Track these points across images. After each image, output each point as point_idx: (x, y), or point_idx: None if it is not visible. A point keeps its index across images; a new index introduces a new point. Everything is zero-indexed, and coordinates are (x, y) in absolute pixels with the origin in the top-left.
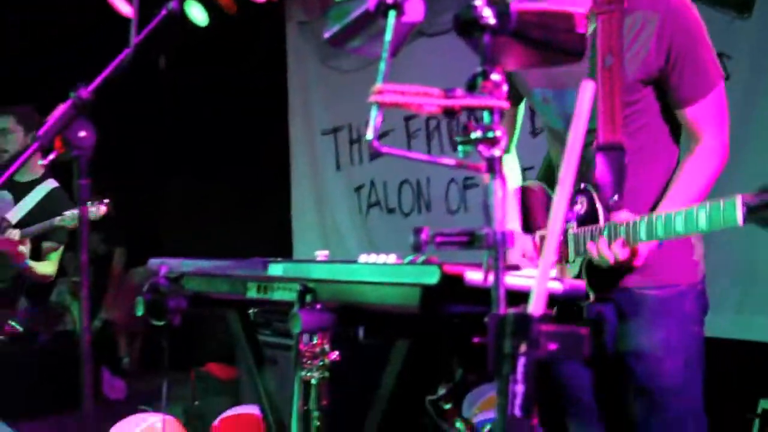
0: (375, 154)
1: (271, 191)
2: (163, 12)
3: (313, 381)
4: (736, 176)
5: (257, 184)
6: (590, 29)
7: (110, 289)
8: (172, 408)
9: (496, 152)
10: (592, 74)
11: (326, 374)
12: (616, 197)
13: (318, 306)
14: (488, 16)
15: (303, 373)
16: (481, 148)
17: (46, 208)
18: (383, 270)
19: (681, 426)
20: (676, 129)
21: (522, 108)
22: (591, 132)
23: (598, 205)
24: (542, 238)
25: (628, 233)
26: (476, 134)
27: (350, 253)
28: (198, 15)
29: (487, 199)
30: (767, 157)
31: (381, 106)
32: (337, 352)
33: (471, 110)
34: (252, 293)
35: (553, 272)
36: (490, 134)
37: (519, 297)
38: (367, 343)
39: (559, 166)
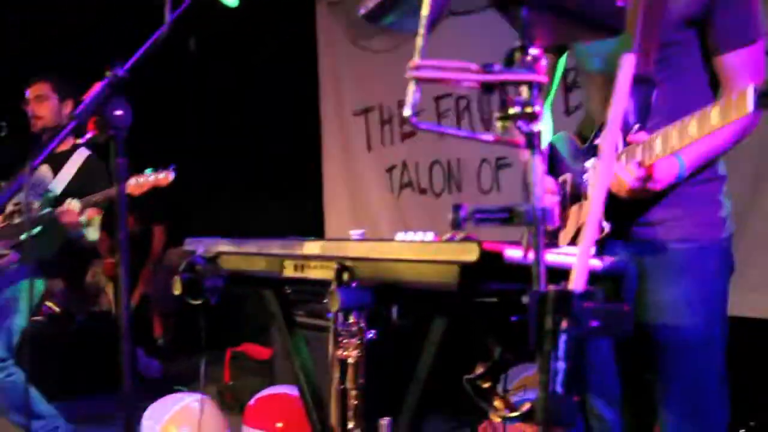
0: (407, 134)
1: (303, 171)
2: None
3: (350, 360)
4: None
5: (289, 165)
6: None
7: (147, 269)
8: (207, 388)
9: (536, 127)
10: (634, 6)
11: (363, 353)
12: (637, 126)
13: (355, 284)
14: None
15: (339, 352)
16: (520, 123)
17: (86, 176)
18: (421, 247)
19: (702, 384)
20: (715, 83)
21: (563, 61)
22: None
23: (619, 134)
24: (564, 182)
25: (645, 151)
26: (515, 110)
27: (382, 234)
28: None
29: (526, 175)
30: None
31: (418, 81)
32: (373, 331)
33: (509, 85)
34: (289, 272)
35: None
36: (529, 109)
37: (558, 274)
38: (402, 322)
39: (593, 109)
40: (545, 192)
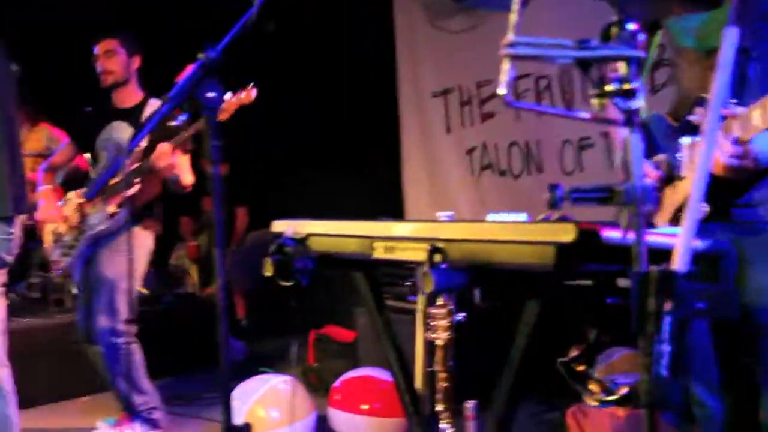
0: (486, 115)
1: (382, 154)
2: None
3: (439, 342)
4: None
5: (368, 147)
6: None
7: (230, 250)
8: (292, 369)
9: (634, 104)
10: None
11: (452, 335)
12: (734, 101)
13: (445, 266)
14: None
15: (428, 334)
16: (617, 100)
17: (163, 123)
18: (515, 228)
19: None
20: None
21: (658, 38)
22: None
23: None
24: (659, 163)
25: (742, 125)
26: (612, 86)
27: (462, 216)
28: None
29: (624, 153)
30: None
31: (513, 59)
32: (463, 313)
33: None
34: (379, 253)
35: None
36: (627, 86)
37: (657, 255)
38: (485, 304)
39: (686, 86)
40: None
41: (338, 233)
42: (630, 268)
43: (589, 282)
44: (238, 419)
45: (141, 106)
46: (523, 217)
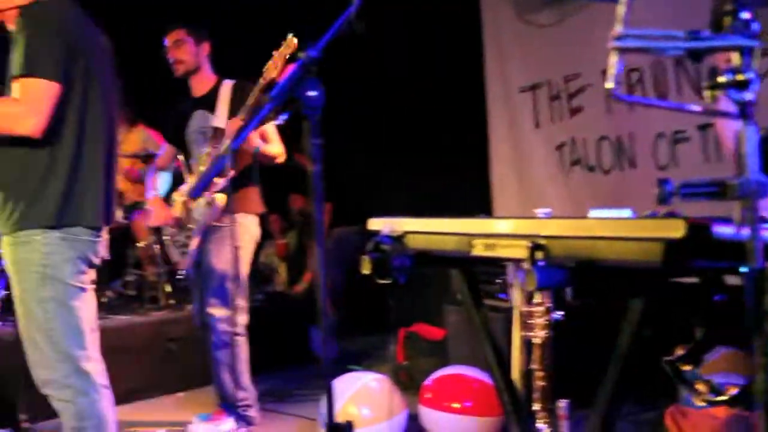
0: (575, 110)
1: (470, 149)
2: None
3: (536, 340)
4: None
5: (455, 143)
6: None
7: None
8: (381, 367)
9: (748, 96)
10: None
11: (549, 333)
12: None
13: (542, 263)
14: None
15: (525, 332)
16: (730, 92)
17: (239, 100)
18: (620, 224)
19: None
20: None
21: None
22: None
23: None
24: None
25: None
26: (725, 78)
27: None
28: None
29: (739, 146)
30: None
31: (621, 52)
32: (561, 312)
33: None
34: (478, 250)
35: None
36: (741, 77)
37: None
38: (577, 302)
39: None
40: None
41: (436, 231)
42: (742, 265)
43: (694, 279)
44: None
45: (215, 90)
46: (627, 213)
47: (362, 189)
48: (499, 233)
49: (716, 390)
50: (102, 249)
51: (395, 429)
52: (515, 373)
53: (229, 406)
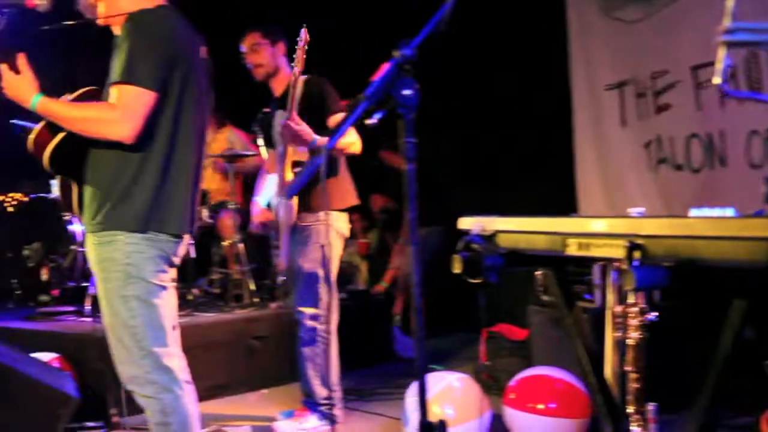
0: (662, 107)
1: (554, 148)
2: None
3: (630, 341)
4: None
5: (539, 141)
6: None
7: (399, 247)
8: (462, 367)
9: None
10: None
11: (644, 335)
12: None
13: (637, 263)
14: None
15: (619, 333)
16: None
17: (309, 95)
18: (723, 224)
19: None
20: None
21: None
22: None
23: None
24: None
25: None
26: None
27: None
28: None
29: None
30: None
31: (730, 46)
32: (655, 313)
33: None
34: (572, 250)
35: None
36: None
37: None
38: (665, 303)
39: None
40: None
41: (529, 230)
42: None
43: None
44: (412, 416)
45: (289, 88)
46: (730, 212)
47: (443, 189)
48: (594, 232)
49: None
50: (182, 250)
51: (480, 429)
52: (608, 375)
53: (312, 403)
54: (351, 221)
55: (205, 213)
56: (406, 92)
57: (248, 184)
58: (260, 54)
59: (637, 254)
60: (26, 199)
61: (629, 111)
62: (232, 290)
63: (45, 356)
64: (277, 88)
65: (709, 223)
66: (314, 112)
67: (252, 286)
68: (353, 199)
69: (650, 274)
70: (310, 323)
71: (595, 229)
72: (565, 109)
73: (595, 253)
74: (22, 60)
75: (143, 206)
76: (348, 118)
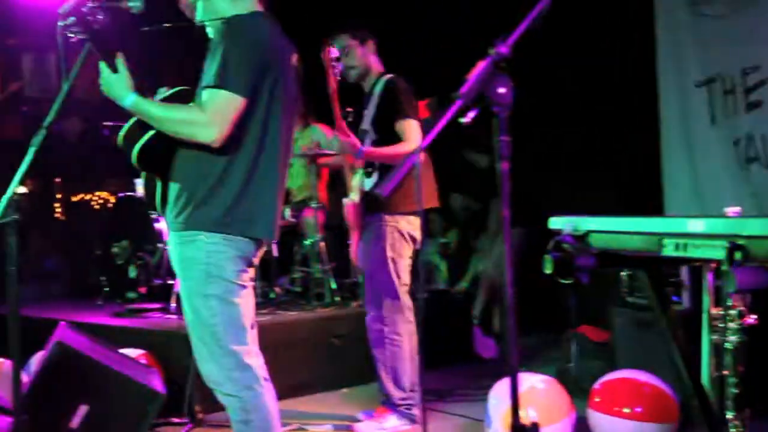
0: (752, 104)
1: (640, 145)
2: None
3: (728, 345)
4: None
5: (625, 139)
6: None
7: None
8: (546, 369)
9: None
10: None
11: (743, 338)
12: None
13: (740, 264)
14: None
15: (716, 336)
16: None
17: (386, 98)
18: None
19: None
20: None
21: None
22: None
23: None
24: None
25: None
26: None
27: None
28: None
29: None
30: None
31: None
32: (755, 316)
33: None
34: (668, 251)
35: None
36: None
37: None
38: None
39: None
40: None
41: (622, 230)
42: None
43: None
44: (495, 418)
45: (375, 85)
46: None
47: (528, 189)
48: (692, 233)
49: None
50: (261, 251)
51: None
52: (704, 379)
53: (391, 403)
54: (430, 220)
55: (288, 212)
56: (501, 90)
57: (333, 180)
58: (351, 56)
59: (738, 255)
60: (113, 197)
61: (718, 108)
62: (313, 289)
63: (132, 352)
64: (367, 86)
65: None
66: (385, 116)
67: (333, 285)
68: (429, 202)
69: (752, 276)
70: (374, 325)
71: (693, 229)
72: (652, 106)
73: (693, 253)
74: (120, 59)
75: (226, 208)
76: (443, 117)
